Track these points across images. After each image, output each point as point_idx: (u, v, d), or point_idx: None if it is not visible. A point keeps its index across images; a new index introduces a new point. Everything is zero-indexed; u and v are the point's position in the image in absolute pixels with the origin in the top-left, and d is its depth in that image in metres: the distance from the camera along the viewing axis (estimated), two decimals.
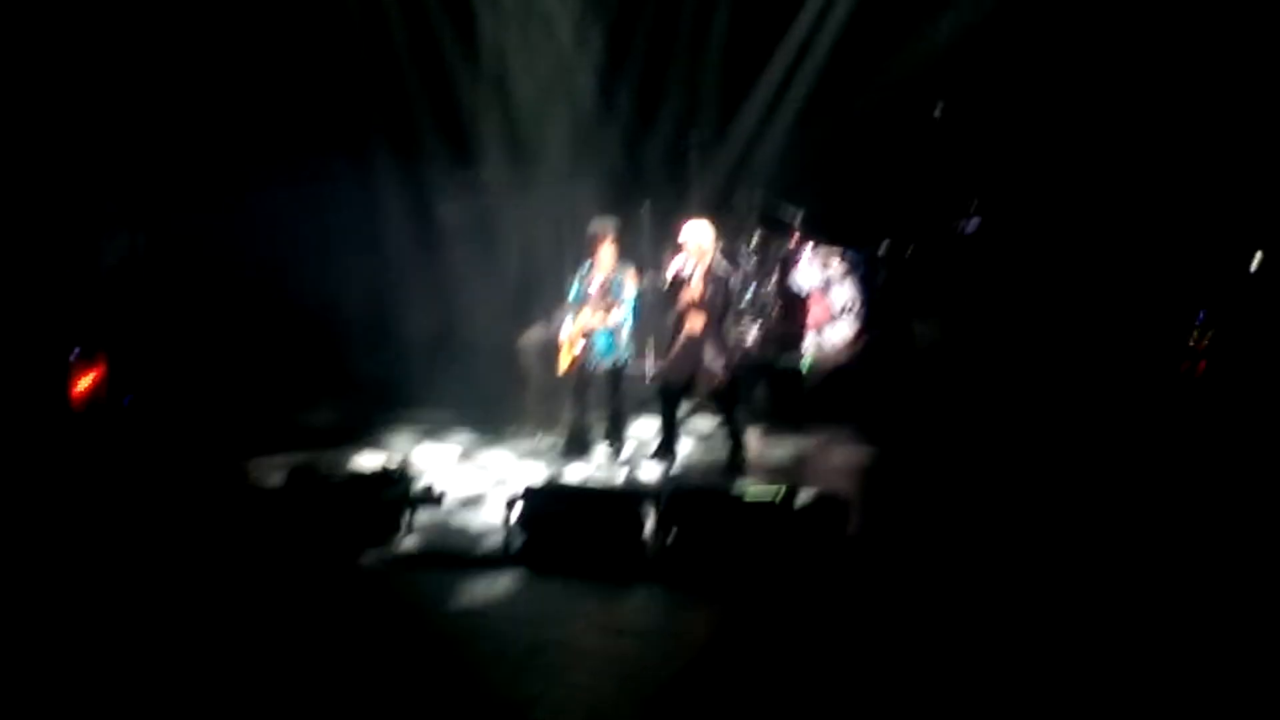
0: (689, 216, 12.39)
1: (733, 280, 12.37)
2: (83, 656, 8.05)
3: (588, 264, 12.63)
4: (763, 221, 15.15)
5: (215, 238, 14.85)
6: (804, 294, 14.76)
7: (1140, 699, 7.23)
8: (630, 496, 10.43)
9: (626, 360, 12.60)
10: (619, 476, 12.00)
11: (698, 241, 11.90)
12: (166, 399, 13.72)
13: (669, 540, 9.84)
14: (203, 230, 14.86)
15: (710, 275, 11.83)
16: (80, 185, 13.83)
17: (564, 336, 12.55)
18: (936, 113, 15.07)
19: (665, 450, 12.23)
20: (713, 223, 12.23)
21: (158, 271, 14.69)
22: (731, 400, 12.08)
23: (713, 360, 11.81)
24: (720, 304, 11.86)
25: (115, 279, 14.07)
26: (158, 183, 14.77)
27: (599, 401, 12.74)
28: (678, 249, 12.04)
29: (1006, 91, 14.97)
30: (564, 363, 12.56)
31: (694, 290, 11.80)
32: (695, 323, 11.84)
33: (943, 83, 15.18)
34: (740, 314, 14.70)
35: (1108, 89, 14.40)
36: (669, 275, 12.01)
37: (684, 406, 12.65)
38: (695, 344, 11.86)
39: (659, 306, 12.41)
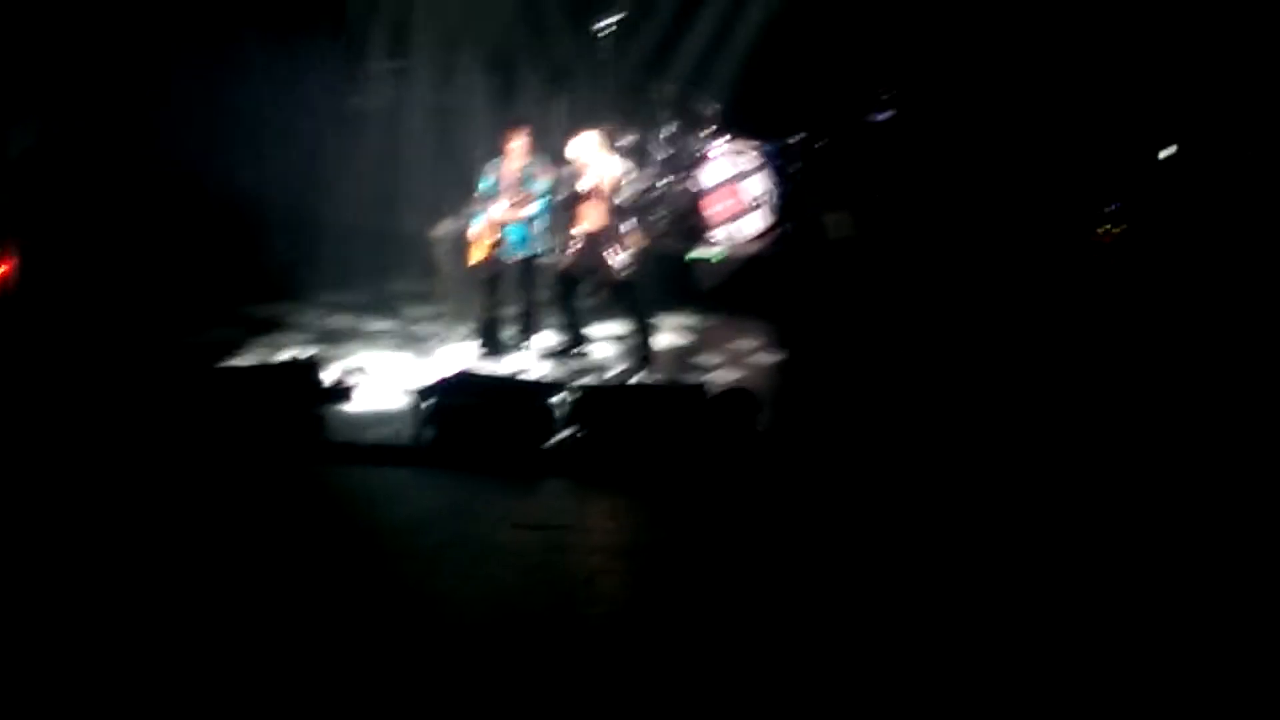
0: (584, 124, 12.39)
1: (636, 179, 12.40)
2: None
3: (500, 157, 12.55)
4: (677, 113, 15.11)
5: (124, 126, 14.60)
6: (717, 186, 14.76)
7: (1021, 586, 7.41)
8: (541, 390, 10.49)
9: (539, 253, 12.58)
10: (530, 370, 12.02)
11: (586, 155, 11.89)
12: (80, 291, 13.56)
13: (579, 434, 9.93)
14: (112, 118, 14.60)
15: (605, 181, 11.82)
16: None
17: (477, 229, 12.49)
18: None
19: (575, 344, 12.27)
20: (603, 127, 12.26)
21: (68, 160, 14.45)
22: (633, 296, 12.10)
23: (612, 256, 11.82)
24: (619, 203, 11.85)
25: (22, 169, 13.82)
26: (64, 68, 14.46)
27: (512, 294, 12.71)
28: (570, 164, 12.04)
29: None
30: (476, 255, 12.51)
31: (591, 194, 11.82)
32: (593, 219, 11.86)
33: None
34: (651, 206, 14.72)
35: None
36: (566, 183, 12.03)
37: (590, 300, 12.66)
38: (594, 240, 11.88)
39: (566, 203, 12.39)
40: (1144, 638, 6.68)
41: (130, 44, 14.54)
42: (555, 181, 12.48)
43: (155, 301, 13.65)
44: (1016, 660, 6.48)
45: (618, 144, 14.22)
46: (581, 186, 11.88)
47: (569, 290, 12.19)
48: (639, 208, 12.70)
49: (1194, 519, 8.27)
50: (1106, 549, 7.91)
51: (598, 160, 11.89)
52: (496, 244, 12.36)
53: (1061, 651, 6.52)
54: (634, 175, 12.29)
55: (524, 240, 12.37)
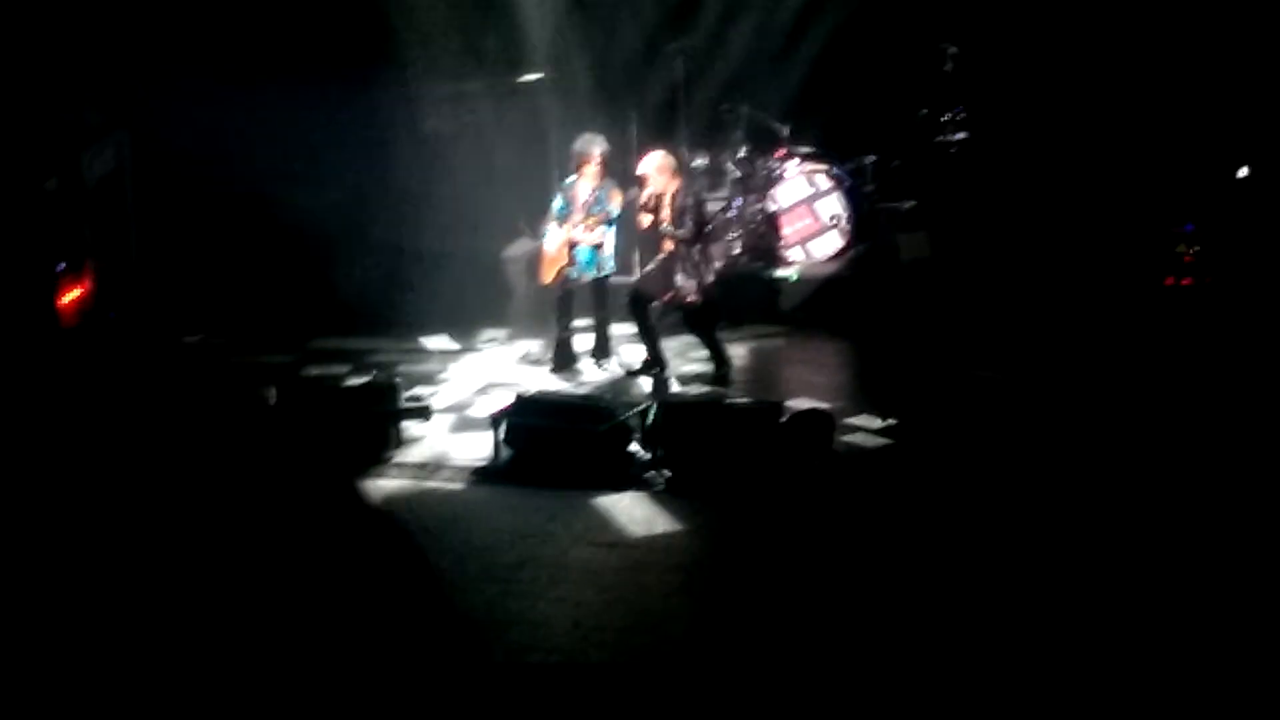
0: (657, 143, 12.40)
1: (705, 198, 12.44)
2: (80, 571, 8.10)
3: (572, 178, 12.58)
4: (750, 134, 15.09)
5: (200, 148, 14.72)
6: (792, 206, 14.73)
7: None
8: (617, 408, 10.47)
9: (610, 272, 12.59)
10: (605, 389, 12.02)
11: (657, 172, 11.88)
12: (154, 312, 13.70)
13: (656, 452, 9.91)
14: (187, 141, 14.73)
15: (676, 201, 11.80)
16: (62, 96, 13.69)
17: (549, 249, 12.52)
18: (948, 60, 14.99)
19: (651, 362, 12.25)
20: (676, 148, 12.32)
21: (143, 183, 14.59)
22: (708, 320, 12.06)
23: (684, 282, 11.79)
24: (692, 226, 11.82)
25: (100, 192, 13.96)
26: (142, 92, 14.62)
27: (585, 314, 12.73)
28: (642, 180, 12.02)
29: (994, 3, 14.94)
30: (549, 275, 12.54)
31: (662, 216, 11.81)
32: (666, 244, 11.86)
33: None
34: (726, 227, 14.70)
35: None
36: (640, 202, 12.01)
37: (663, 320, 12.63)
38: (668, 264, 11.86)
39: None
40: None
41: (204, 70, 14.66)
42: (625, 203, 12.49)
43: (232, 325, 13.79)
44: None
45: (693, 165, 14.24)
46: (641, 200, 11.88)
47: (642, 311, 12.15)
48: (714, 228, 12.67)
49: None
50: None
51: (656, 179, 11.87)
52: (568, 264, 12.39)
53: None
54: (698, 201, 12.21)
55: (593, 261, 12.38)
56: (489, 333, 13.90)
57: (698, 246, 11.89)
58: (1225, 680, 6.42)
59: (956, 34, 15.03)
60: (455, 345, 13.73)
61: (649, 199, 11.93)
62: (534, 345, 13.20)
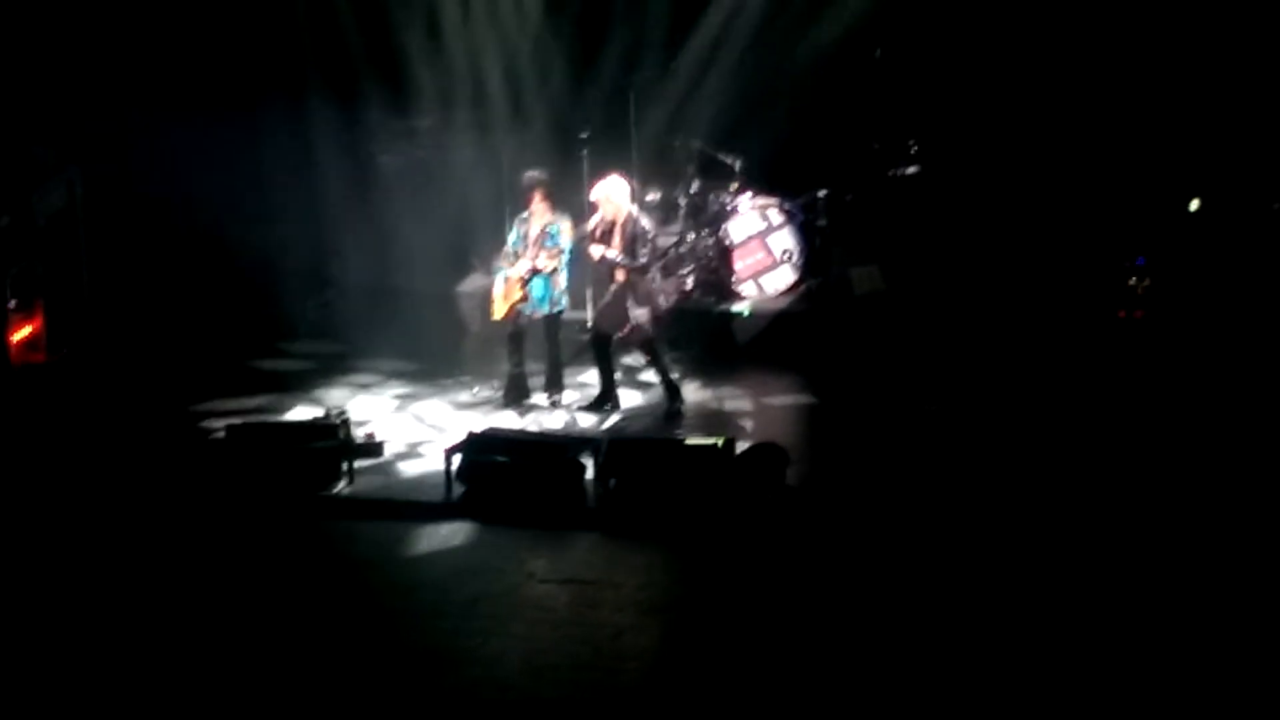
0: (610, 171, 12.40)
1: (656, 230, 12.46)
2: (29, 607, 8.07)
3: (525, 212, 12.58)
4: (702, 168, 15.12)
5: (151, 185, 14.69)
6: (744, 241, 14.76)
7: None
8: (570, 445, 10.48)
9: (562, 308, 12.58)
10: (558, 425, 12.00)
11: (610, 198, 11.92)
12: (105, 349, 13.63)
13: (609, 489, 9.90)
14: (139, 178, 14.71)
15: (628, 230, 11.85)
16: (11, 134, 13.65)
17: (501, 284, 12.50)
18: (876, 54, 15.11)
19: (604, 398, 12.27)
20: (629, 178, 12.32)
21: (94, 219, 14.53)
22: (658, 352, 12.09)
23: (636, 312, 11.82)
24: (644, 255, 11.86)
25: (51, 228, 13.89)
26: (93, 129, 14.57)
27: (537, 349, 12.72)
28: (594, 207, 12.07)
29: (945, 35, 15.01)
30: (500, 310, 12.52)
31: (613, 244, 11.85)
32: (618, 274, 11.90)
33: (883, 27, 15.22)
34: (678, 261, 14.72)
35: (1045, 33, 14.44)
36: (589, 230, 12.05)
37: (619, 355, 12.67)
38: (620, 295, 11.90)
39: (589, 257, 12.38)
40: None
41: (157, 107, 14.62)
42: (577, 237, 12.48)
43: (181, 359, 13.73)
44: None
45: (645, 199, 14.26)
46: (606, 229, 11.90)
47: (603, 348, 12.19)
48: (666, 263, 12.67)
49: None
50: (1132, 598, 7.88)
51: (608, 206, 11.91)
52: (521, 300, 12.38)
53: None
54: (650, 230, 12.22)
55: (546, 297, 12.37)
56: (441, 367, 13.86)
57: (649, 275, 11.94)
58: None
59: (908, 70, 15.13)
60: (407, 380, 13.68)
61: (598, 226, 11.96)
62: (486, 381, 13.15)
